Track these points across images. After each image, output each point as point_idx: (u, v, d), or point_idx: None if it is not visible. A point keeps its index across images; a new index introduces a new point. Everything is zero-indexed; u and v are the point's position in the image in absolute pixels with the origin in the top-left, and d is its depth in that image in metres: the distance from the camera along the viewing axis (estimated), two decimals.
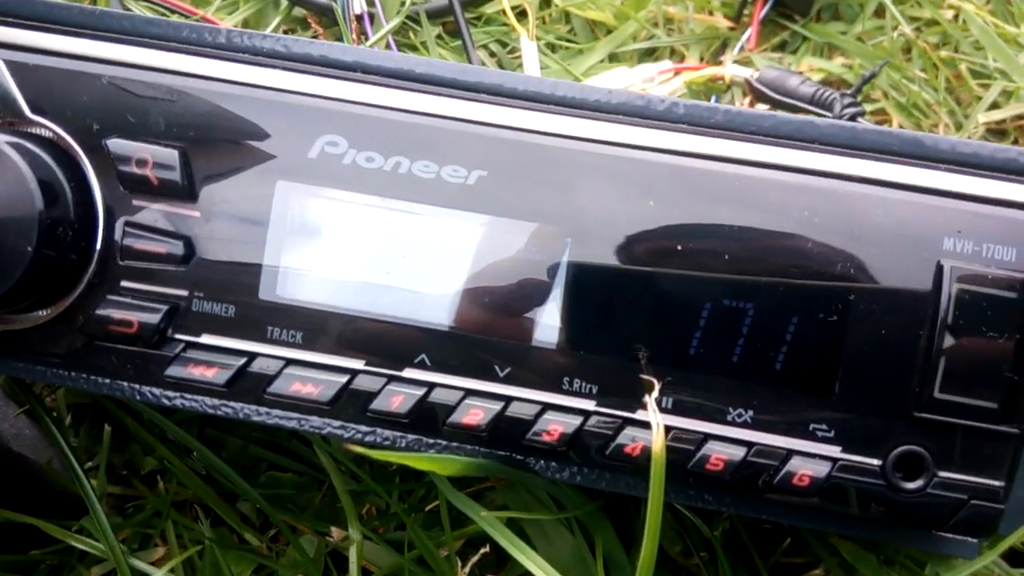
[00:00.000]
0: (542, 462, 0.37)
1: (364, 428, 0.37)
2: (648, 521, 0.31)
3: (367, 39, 0.66)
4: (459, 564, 0.40)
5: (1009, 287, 0.34)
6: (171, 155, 0.35)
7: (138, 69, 0.35)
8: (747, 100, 0.62)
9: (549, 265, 0.35)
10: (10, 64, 0.36)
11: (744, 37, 0.66)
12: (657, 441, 0.31)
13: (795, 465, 0.35)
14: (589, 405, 0.36)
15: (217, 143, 0.35)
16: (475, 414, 0.35)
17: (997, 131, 0.62)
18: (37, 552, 0.48)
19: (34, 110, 0.36)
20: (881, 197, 0.35)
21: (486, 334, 0.36)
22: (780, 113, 0.36)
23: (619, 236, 0.35)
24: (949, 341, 0.34)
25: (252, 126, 0.35)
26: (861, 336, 0.34)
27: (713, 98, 0.64)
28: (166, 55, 0.36)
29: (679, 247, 0.35)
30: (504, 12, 0.65)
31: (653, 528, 0.31)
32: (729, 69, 0.62)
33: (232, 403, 0.37)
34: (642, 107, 0.36)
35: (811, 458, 0.35)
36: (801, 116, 0.36)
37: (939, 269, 0.34)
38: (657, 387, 0.34)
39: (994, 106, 0.61)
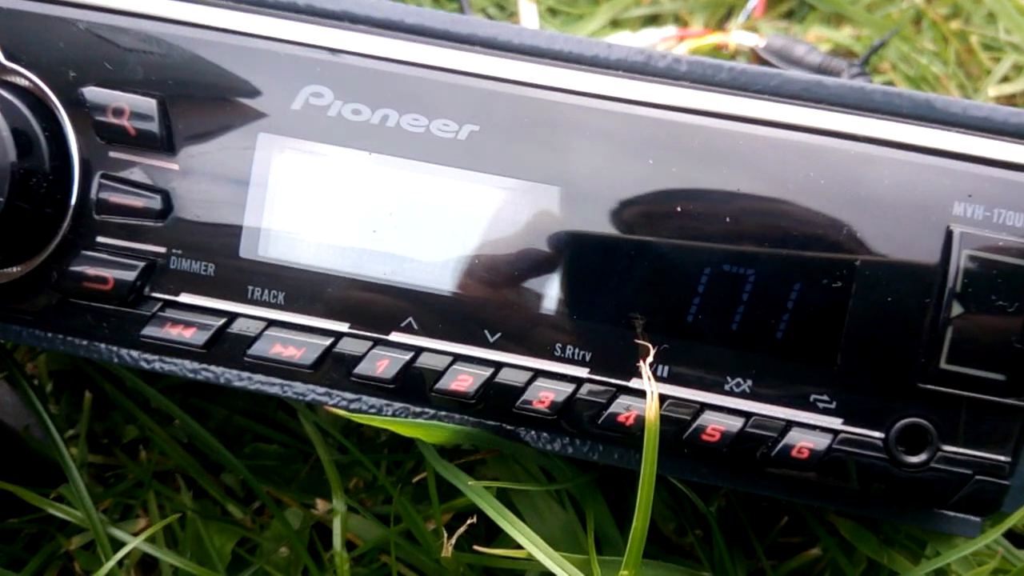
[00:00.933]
0: (533, 432, 0.36)
1: (349, 395, 0.36)
2: (640, 491, 0.30)
3: None
4: (446, 537, 0.39)
5: (1021, 254, 0.33)
6: (149, 104, 0.33)
7: (116, 14, 0.34)
8: None
9: (542, 226, 0.34)
10: None
11: (751, 4, 0.65)
12: (651, 408, 0.30)
13: (794, 437, 0.34)
14: (582, 372, 0.34)
15: (197, 93, 0.34)
16: (463, 380, 0.34)
17: (1007, 105, 0.61)
18: (15, 520, 0.47)
19: (8, 57, 0.34)
20: (889, 158, 0.33)
21: (476, 297, 0.34)
22: (787, 72, 0.34)
23: (616, 196, 0.34)
24: (957, 310, 0.33)
25: (234, 76, 0.34)
26: (866, 304, 0.33)
27: None
28: (145, 0, 0.34)
29: (678, 209, 0.33)
30: None
31: (645, 499, 0.30)
32: (734, 36, 0.61)
33: (212, 367, 0.36)
34: (642, 63, 0.34)
35: (811, 430, 0.34)
36: (809, 76, 0.35)
37: (948, 235, 0.33)
38: (652, 353, 0.33)
39: (1004, 79, 0.59)
